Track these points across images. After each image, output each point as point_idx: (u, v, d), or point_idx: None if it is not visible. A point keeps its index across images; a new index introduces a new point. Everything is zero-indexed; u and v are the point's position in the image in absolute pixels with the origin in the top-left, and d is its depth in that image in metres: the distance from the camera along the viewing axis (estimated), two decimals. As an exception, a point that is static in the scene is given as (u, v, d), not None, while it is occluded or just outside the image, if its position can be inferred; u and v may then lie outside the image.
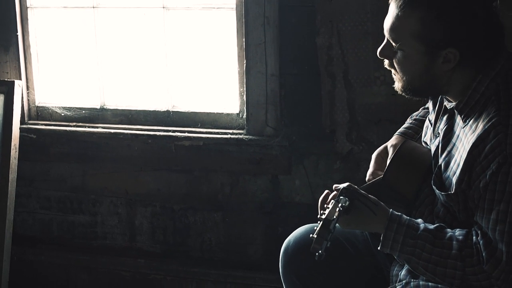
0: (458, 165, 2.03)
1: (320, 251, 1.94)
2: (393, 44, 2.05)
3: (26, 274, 3.71)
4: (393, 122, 3.06)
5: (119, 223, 3.59)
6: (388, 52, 2.09)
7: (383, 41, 2.94)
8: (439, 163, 2.14)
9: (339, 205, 2.01)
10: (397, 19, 2.01)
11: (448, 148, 2.12)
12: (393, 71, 2.14)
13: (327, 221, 1.97)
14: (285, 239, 2.52)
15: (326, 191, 2.21)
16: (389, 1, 2.06)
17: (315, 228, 1.98)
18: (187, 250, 3.52)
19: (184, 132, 3.35)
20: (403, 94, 2.15)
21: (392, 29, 2.04)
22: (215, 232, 3.47)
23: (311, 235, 1.98)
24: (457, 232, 2.05)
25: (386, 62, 2.14)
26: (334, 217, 1.98)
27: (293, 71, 3.19)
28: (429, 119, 2.35)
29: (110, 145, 3.44)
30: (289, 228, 2.99)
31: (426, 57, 2.01)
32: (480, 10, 1.97)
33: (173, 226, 3.51)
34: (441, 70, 2.03)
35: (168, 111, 3.44)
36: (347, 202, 2.03)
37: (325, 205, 2.10)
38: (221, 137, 3.30)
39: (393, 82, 2.96)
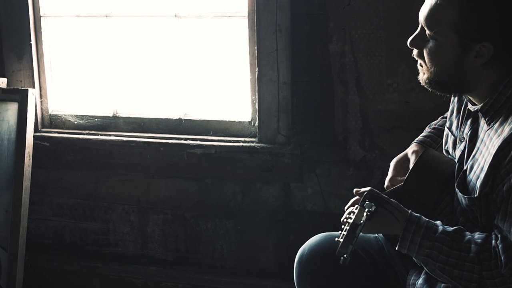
0: (482, 169, 2.01)
1: (345, 255, 1.95)
2: (427, 32, 2.03)
3: (39, 281, 3.72)
4: (406, 129, 3.06)
5: (131, 231, 3.59)
6: (420, 41, 2.07)
7: (395, 48, 2.97)
8: (464, 167, 2.12)
9: (366, 209, 2.00)
10: (436, 6, 1.99)
11: (473, 152, 2.11)
12: (420, 61, 2.11)
13: (354, 225, 1.96)
14: (297, 247, 2.51)
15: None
16: None
17: (341, 232, 1.98)
18: (198, 258, 3.52)
19: (196, 140, 3.36)
20: (427, 86, 2.12)
21: (429, 16, 2.01)
22: (227, 239, 3.46)
23: (336, 239, 1.97)
24: (476, 235, 2.03)
25: (415, 52, 2.11)
26: (362, 221, 1.98)
27: (305, 78, 3.18)
28: (447, 127, 2.33)
29: (122, 153, 3.45)
30: (301, 236, 2.98)
31: (458, 48, 1.99)
32: None
33: (185, 233, 3.51)
34: (472, 65, 2.00)
35: (180, 119, 3.45)
36: (373, 207, 2.02)
37: (349, 210, 2.10)
38: (233, 145, 3.30)
39: (406, 90, 3.02)
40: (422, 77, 2.12)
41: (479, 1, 1.94)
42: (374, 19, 3.04)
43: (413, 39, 2.09)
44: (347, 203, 2.23)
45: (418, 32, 2.08)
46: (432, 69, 2.06)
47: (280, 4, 3.10)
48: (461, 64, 2.01)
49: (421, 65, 2.12)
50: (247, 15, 3.23)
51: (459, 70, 2.03)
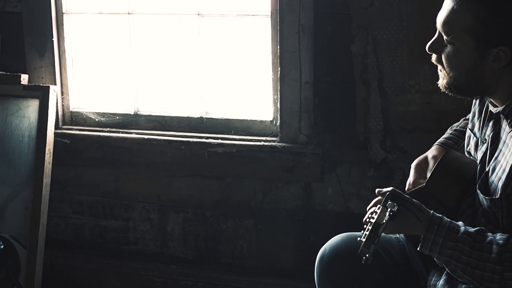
0: (504, 170, 2.01)
1: (367, 255, 1.95)
2: (445, 37, 2.04)
3: (58, 278, 3.73)
4: (428, 131, 3.05)
5: (151, 229, 3.60)
6: (438, 46, 2.08)
7: (418, 49, 2.96)
8: (486, 169, 2.12)
9: (388, 209, 2.00)
10: (452, 12, 2.00)
11: (495, 154, 2.10)
12: (439, 66, 2.12)
13: (376, 225, 1.97)
14: (317, 247, 2.51)
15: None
16: None
17: (363, 232, 1.98)
18: (218, 257, 3.53)
19: (217, 139, 3.36)
20: (447, 91, 2.13)
21: (446, 22, 2.02)
22: (247, 239, 3.47)
23: (358, 239, 1.98)
24: (498, 236, 2.02)
25: (433, 57, 2.13)
26: (384, 221, 1.98)
27: (327, 78, 3.18)
28: (469, 128, 2.33)
29: (143, 151, 3.46)
30: (321, 236, 2.98)
31: (476, 53, 2.00)
32: None
33: (205, 232, 3.52)
34: (490, 69, 2.01)
35: (201, 118, 3.45)
36: (396, 207, 2.02)
37: (372, 210, 2.09)
38: (254, 144, 3.30)
39: (428, 91, 3.01)
40: (442, 82, 2.14)
41: (495, 6, 1.94)
42: (396, 19, 3.03)
43: (431, 44, 2.11)
44: (367, 204, 2.24)
45: (436, 37, 2.09)
46: (451, 74, 2.08)
47: (303, 4, 3.10)
48: (479, 68, 2.02)
49: (440, 70, 2.14)
50: (270, 14, 3.23)
51: (478, 74, 2.03)
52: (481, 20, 1.95)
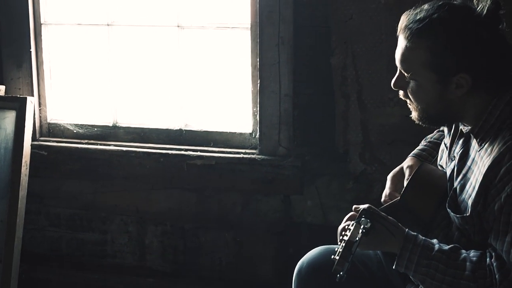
0: (474, 188, 2.03)
1: (341, 273, 1.95)
2: (405, 74, 2.08)
3: (34, 292, 3.70)
4: (406, 143, 3.06)
5: (129, 242, 3.57)
6: (402, 83, 2.12)
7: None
8: (455, 186, 2.14)
9: (361, 226, 2.01)
10: (406, 50, 2.04)
11: (464, 171, 2.13)
12: (408, 101, 2.16)
13: (349, 243, 1.97)
14: (296, 259, 2.51)
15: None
16: (397, 33, 2.09)
17: (337, 249, 1.98)
18: (197, 270, 3.51)
19: (197, 151, 3.35)
20: (420, 123, 2.17)
21: (403, 60, 2.07)
22: (226, 251, 3.45)
23: (332, 256, 1.98)
24: (472, 253, 2.04)
25: (401, 93, 2.16)
26: (357, 238, 1.99)
27: (307, 91, 3.19)
28: (444, 143, 2.35)
29: (121, 163, 3.44)
30: (300, 248, 2.98)
31: (438, 84, 2.03)
32: (485, 33, 1.98)
33: (184, 245, 3.50)
34: (455, 96, 2.04)
35: (180, 130, 3.44)
36: (369, 224, 2.02)
37: (346, 226, 2.10)
38: (234, 157, 3.30)
39: (407, 104, 3.01)
40: (414, 115, 2.17)
41: (445, 38, 1.98)
42: (376, 33, 3.05)
43: (395, 82, 2.15)
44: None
45: (398, 75, 2.13)
46: (419, 107, 2.11)
47: (283, 17, 3.11)
48: (445, 97, 2.05)
49: (409, 104, 2.17)
50: (250, 27, 3.24)
51: (445, 104, 2.07)
52: (435, 53, 1.99)
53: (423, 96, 2.08)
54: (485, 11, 1.99)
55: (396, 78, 2.14)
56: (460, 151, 2.16)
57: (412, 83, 2.07)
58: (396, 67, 2.13)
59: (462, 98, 2.04)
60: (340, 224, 2.22)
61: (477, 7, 2.01)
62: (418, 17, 2.02)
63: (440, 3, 2.03)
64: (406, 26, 2.03)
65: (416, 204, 2.23)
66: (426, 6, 2.04)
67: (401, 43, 2.06)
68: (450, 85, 2.02)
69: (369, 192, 3.19)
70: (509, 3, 2.12)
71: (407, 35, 2.02)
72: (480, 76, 2.00)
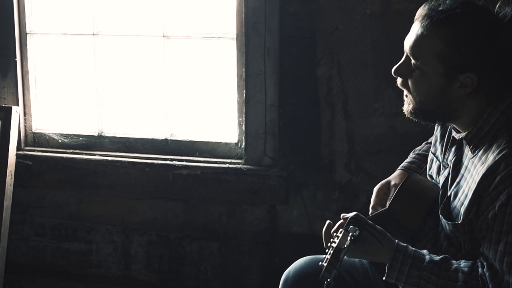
0: (466, 195, 2.03)
1: (329, 279, 1.95)
2: (413, 62, 2.04)
3: (18, 302, 3.68)
4: (392, 153, 3.08)
5: (114, 252, 3.56)
6: (405, 70, 2.08)
7: (382, 73, 2.99)
8: (448, 194, 2.14)
9: (350, 234, 2.01)
10: (422, 37, 2.01)
11: (457, 179, 2.12)
12: (405, 91, 2.12)
13: (338, 250, 1.97)
14: (282, 269, 2.50)
15: (328, 221, 2.20)
16: (414, 19, 2.06)
17: (325, 256, 1.98)
18: (182, 280, 3.50)
19: (182, 161, 3.35)
20: (412, 117, 2.13)
21: (415, 46, 2.03)
22: (211, 261, 3.45)
23: (320, 263, 1.98)
24: (463, 263, 2.04)
25: (399, 81, 2.12)
26: (345, 246, 1.98)
27: (292, 101, 3.20)
28: (432, 152, 2.35)
29: (107, 173, 3.43)
30: (286, 258, 2.98)
31: (444, 78, 2.01)
32: (503, 39, 1.98)
33: (169, 255, 3.49)
34: (456, 95, 2.02)
35: (166, 140, 3.44)
36: (357, 231, 2.02)
37: (334, 234, 2.09)
38: (219, 167, 3.30)
39: (392, 114, 3.03)
40: (407, 107, 2.13)
41: (464, 33, 1.96)
42: (361, 43, 3.07)
43: (397, 68, 2.10)
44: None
45: (403, 61, 2.09)
46: (417, 99, 2.08)
47: (269, 27, 3.12)
48: (446, 94, 2.03)
49: (406, 96, 2.13)
50: (235, 37, 3.24)
51: (444, 100, 2.04)
52: (450, 46, 1.97)
53: (424, 87, 2.05)
54: (508, 16, 1.99)
55: (400, 64, 2.09)
56: (453, 159, 2.16)
57: (416, 72, 2.04)
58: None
59: (462, 98, 2.03)
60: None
61: (500, 11, 2.01)
62: (440, 8, 1.99)
63: (463, 0, 2.01)
64: (426, 15, 2.00)
65: (404, 214, 2.23)
66: (449, 1, 2.01)
67: (417, 29, 2.02)
68: (455, 82, 2.00)
69: (354, 202, 3.19)
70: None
71: (426, 23, 1.99)
72: (486, 80, 1.99)
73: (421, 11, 2.04)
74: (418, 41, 2.02)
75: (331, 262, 1.96)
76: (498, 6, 2.03)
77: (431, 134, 2.44)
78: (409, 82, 2.08)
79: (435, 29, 1.98)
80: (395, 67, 2.10)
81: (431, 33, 1.99)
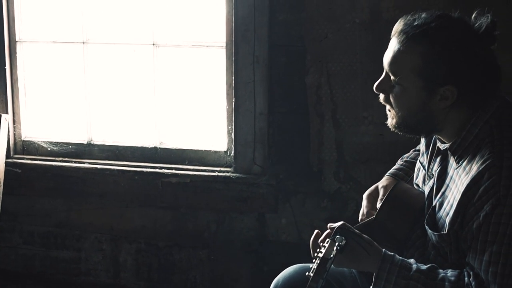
0: (451, 206, 2.03)
1: None
2: (392, 78, 2.05)
3: (7, 310, 3.67)
4: (381, 162, 3.08)
5: (103, 260, 3.55)
6: (385, 86, 2.09)
7: (371, 81, 2.98)
8: (433, 204, 2.14)
9: (336, 244, 2.01)
10: (399, 53, 2.02)
11: (442, 190, 2.13)
12: (388, 106, 2.13)
13: (324, 260, 1.97)
14: (271, 277, 2.50)
15: (316, 230, 2.20)
16: (391, 35, 2.07)
17: (312, 266, 1.98)
18: (171, 288, 3.50)
19: (171, 169, 3.35)
20: (396, 130, 2.14)
21: (393, 62, 2.04)
22: (200, 269, 3.44)
23: (307, 273, 1.97)
24: (449, 273, 2.04)
25: (381, 96, 2.13)
26: (332, 255, 1.98)
27: (281, 109, 3.20)
28: (420, 161, 2.35)
29: (96, 181, 3.43)
30: (275, 266, 2.97)
31: (424, 93, 2.02)
32: (480, 50, 1.99)
33: (158, 263, 3.48)
34: (438, 108, 2.03)
35: (155, 148, 3.44)
36: (343, 241, 2.03)
37: (321, 244, 2.09)
38: (209, 175, 3.30)
39: (381, 122, 3.02)
40: (391, 122, 2.14)
41: (441, 46, 1.97)
42: (350, 52, 3.08)
43: (378, 84, 2.11)
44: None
45: (383, 78, 2.10)
46: (399, 114, 2.09)
47: (258, 36, 3.12)
48: (428, 107, 2.04)
49: (389, 110, 2.14)
50: (225, 45, 3.25)
51: (426, 113, 2.05)
52: (428, 61, 1.98)
53: (406, 102, 2.05)
54: (483, 28, 2.00)
55: (381, 80, 2.10)
56: (438, 169, 2.17)
57: (397, 88, 2.05)
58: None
59: (444, 110, 2.04)
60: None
61: (475, 23, 2.02)
62: (416, 23, 2.00)
63: (439, 13, 2.02)
64: (402, 30, 2.01)
65: (391, 223, 2.23)
66: (424, 15, 2.02)
67: (394, 46, 2.04)
68: (435, 96, 2.01)
69: (343, 211, 3.20)
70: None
71: (402, 39, 2.00)
72: (466, 91, 2.00)
73: (397, 27, 2.05)
74: (395, 57, 2.03)
75: (317, 272, 1.96)
76: (474, 17, 2.04)
77: (419, 142, 2.45)
78: (391, 98, 2.09)
79: (411, 45, 1.99)
80: (376, 83, 2.11)
81: (408, 49, 2.00)
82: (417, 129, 2.13)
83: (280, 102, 3.19)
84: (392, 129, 2.15)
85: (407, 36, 1.99)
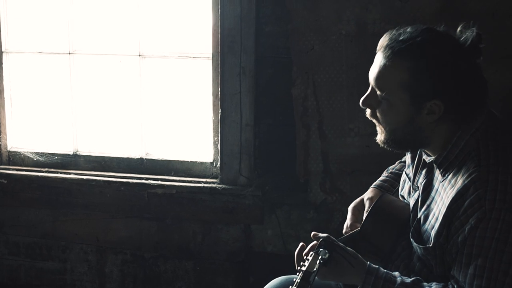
0: (437, 219, 2.03)
1: None
2: (378, 93, 2.04)
3: (-9, 322, 3.64)
4: (367, 173, 3.09)
5: (88, 271, 3.54)
6: (372, 101, 2.08)
7: (357, 93, 3.00)
8: (418, 217, 2.14)
9: (319, 257, 2.01)
10: (385, 68, 2.01)
11: (427, 202, 2.13)
12: (375, 121, 2.12)
13: (307, 273, 1.97)
14: (256, 289, 2.51)
15: (301, 243, 2.20)
16: (376, 50, 2.06)
17: (295, 280, 1.98)
18: (157, 299, 3.49)
19: (157, 180, 3.35)
20: (385, 146, 2.13)
21: (379, 78, 2.03)
22: (186, 281, 3.43)
23: (290, 287, 1.97)
24: (434, 286, 2.04)
25: (368, 112, 2.13)
26: (315, 269, 1.98)
27: (267, 121, 3.20)
28: (405, 173, 2.36)
29: (82, 192, 3.42)
30: (260, 278, 2.98)
31: (411, 107, 2.01)
32: (465, 65, 1.99)
33: (144, 274, 3.47)
34: (425, 122, 2.03)
35: (141, 159, 3.43)
36: (327, 254, 2.02)
37: (304, 257, 2.09)
38: (194, 186, 3.30)
39: (367, 134, 3.05)
40: (380, 137, 2.14)
41: (427, 61, 1.97)
42: (336, 63, 3.08)
43: (364, 99, 2.10)
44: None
45: (369, 93, 2.09)
46: (387, 128, 2.08)
47: (245, 47, 3.13)
48: (414, 122, 2.03)
49: (377, 125, 2.14)
50: (211, 56, 3.25)
51: (413, 128, 2.05)
52: (414, 75, 1.97)
53: (393, 117, 2.05)
54: (469, 41, 2.00)
55: (367, 95, 2.09)
56: (424, 182, 2.17)
57: (383, 103, 2.04)
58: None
59: (431, 125, 2.03)
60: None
61: (461, 36, 2.02)
62: (401, 38, 1.99)
63: (424, 27, 2.01)
64: (388, 45, 2.00)
65: (376, 235, 2.22)
66: (409, 29, 2.01)
67: (380, 61, 2.02)
68: (422, 110, 2.00)
69: (329, 222, 3.20)
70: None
71: (387, 54, 1.99)
72: (452, 105, 1.99)
73: (382, 42, 2.04)
74: (381, 72, 2.02)
75: (300, 285, 1.95)
76: (459, 30, 2.04)
77: (405, 153, 2.46)
78: (377, 113, 2.08)
79: (397, 60, 1.98)
80: (362, 98, 2.10)
81: (394, 64, 1.99)
82: (405, 143, 2.12)
83: (266, 113, 3.20)
84: (381, 145, 2.14)
85: (393, 51, 1.99)
